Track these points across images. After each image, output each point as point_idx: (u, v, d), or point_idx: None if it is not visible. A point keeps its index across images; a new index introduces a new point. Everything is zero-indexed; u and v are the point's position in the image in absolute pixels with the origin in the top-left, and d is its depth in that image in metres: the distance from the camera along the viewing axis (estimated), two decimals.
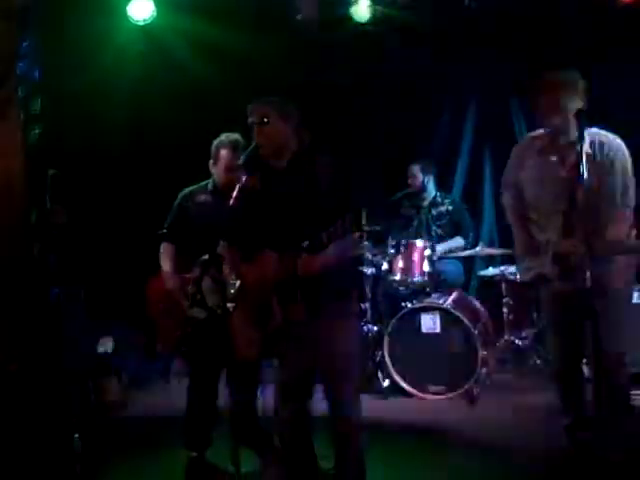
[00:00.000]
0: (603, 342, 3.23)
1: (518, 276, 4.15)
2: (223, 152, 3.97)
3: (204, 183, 4.12)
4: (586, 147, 3.33)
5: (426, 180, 6.07)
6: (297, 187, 3.12)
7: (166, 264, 4.06)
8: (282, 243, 3.03)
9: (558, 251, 3.41)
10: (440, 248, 5.82)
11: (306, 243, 2.89)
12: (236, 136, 4.01)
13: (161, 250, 4.11)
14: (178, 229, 4.08)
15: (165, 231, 4.13)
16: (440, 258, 5.82)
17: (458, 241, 5.97)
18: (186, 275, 3.97)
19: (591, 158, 3.34)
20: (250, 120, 3.17)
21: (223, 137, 4.02)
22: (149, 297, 4.14)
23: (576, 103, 3.38)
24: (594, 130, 3.47)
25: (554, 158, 3.46)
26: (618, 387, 3.50)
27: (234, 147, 3.95)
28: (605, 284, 3.33)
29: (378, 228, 5.51)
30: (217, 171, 4.01)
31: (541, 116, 3.50)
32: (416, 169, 6.06)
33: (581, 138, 3.28)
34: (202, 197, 4.07)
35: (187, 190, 4.14)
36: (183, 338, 3.93)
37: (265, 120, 3.13)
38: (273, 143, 3.16)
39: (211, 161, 4.03)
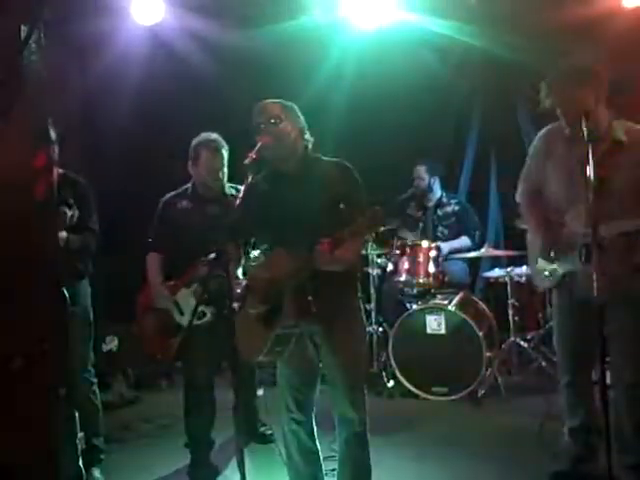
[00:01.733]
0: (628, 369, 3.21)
1: (539, 284, 3.65)
2: (203, 152, 3.95)
3: (184, 188, 4.11)
4: (620, 135, 3.25)
5: (432, 181, 6.07)
6: (309, 190, 3.12)
7: (153, 274, 4.04)
8: (295, 243, 3.03)
9: (587, 243, 3.15)
10: (446, 246, 5.82)
11: (327, 239, 2.91)
12: (215, 136, 4.01)
13: (148, 260, 4.09)
14: (163, 237, 4.06)
15: (150, 240, 4.11)
16: (445, 259, 5.82)
17: (465, 240, 5.97)
18: (172, 283, 3.98)
19: (625, 147, 3.24)
20: (258, 120, 3.15)
21: (202, 137, 4.00)
22: (140, 310, 4.13)
23: (604, 91, 3.26)
24: (626, 122, 3.34)
25: (583, 145, 3.13)
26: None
27: (214, 147, 3.95)
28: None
29: (394, 226, 5.57)
30: (197, 172, 4.00)
31: (568, 107, 3.27)
32: (422, 170, 6.05)
33: (611, 127, 3.22)
34: (183, 203, 4.06)
35: (168, 197, 4.13)
36: (180, 346, 3.92)
37: (274, 121, 3.12)
38: (281, 144, 3.14)
39: (190, 162, 4.01)
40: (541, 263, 3.55)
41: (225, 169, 4.02)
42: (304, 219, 3.06)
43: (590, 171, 2.97)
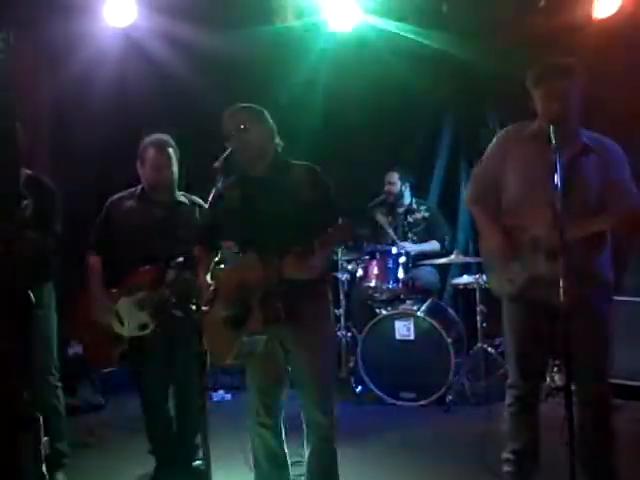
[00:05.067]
0: (591, 371, 3.14)
1: (497, 290, 3.46)
2: (150, 151, 3.90)
3: (132, 189, 4.04)
4: (585, 139, 3.21)
5: (404, 187, 6.10)
6: (279, 194, 3.14)
7: (94, 282, 3.94)
8: (264, 246, 3.04)
9: (552, 246, 3.04)
10: (416, 248, 5.84)
11: (298, 248, 2.92)
12: (164, 135, 3.96)
13: (88, 264, 3.98)
14: (104, 240, 3.97)
15: (91, 243, 4.01)
16: (415, 265, 5.84)
17: (434, 244, 6.00)
18: (113, 291, 3.88)
19: (590, 152, 3.20)
20: (227, 127, 3.17)
21: (151, 137, 3.96)
22: (79, 320, 4.03)
23: (576, 93, 3.20)
24: (590, 133, 3.30)
25: (549, 144, 3.08)
26: (604, 419, 3.29)
27: (161, 146, 3.90)
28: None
29: (365, 232, 5.58)
30: (144, 171, 3.94)
31: (553, 98, 3.17)
32: (395, 176, 6.08)
33: (578, 131, 3.18)
34: (128, 204, 3.98)
35: (114, 197, 4.05)
36: (122, 355, 3.85)
37: (244, 127, 3.14)
38: (251, 149, 3.16)
39: (138, 162, 3.96)
40: (500, 268, 3.39)
41: (174, 169, 3.94)
42: (273, 221, 3.09)
43: (558, 175, 2.94)
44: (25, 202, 3.67)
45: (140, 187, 4.01)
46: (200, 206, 3.93)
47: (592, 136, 3.28)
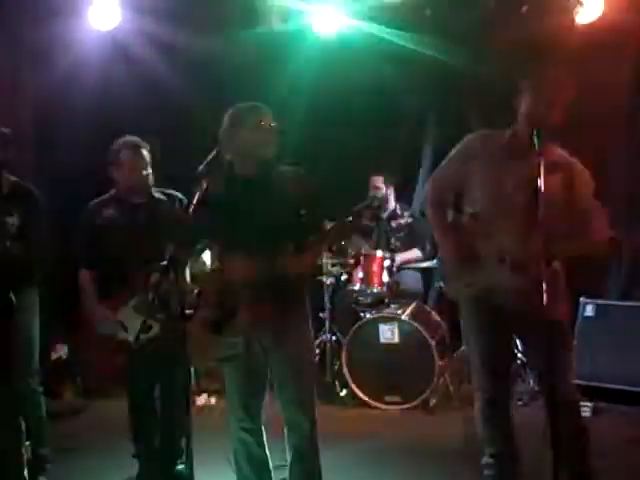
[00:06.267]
0: (559, 374, 3.06)
1: (453, 293, 3.43)
2: (124, 153, 3.87)
3: (107, 195, 4.00)
4: (554, 157, 3.16)
5: (388, 192, 6.12)
6: (264, 194, 3.14)
7: (90, 298, 3.89)
8: (250, 248, 3.05)
9: (518, 258, 3.03)
10: (398, 258, 5.86)
11: (290, 247, 2.97)
12: (132, 137, 3.93)
13: (80, 279, 3.93)
14: (92, 252, 3.92)
15: (79, 257, 3.96)
16: (399, 269, 5.85)
17: (415, 253, 6.01)
18: (111, 303, 3.85)
19: (557, 170, 3.13)
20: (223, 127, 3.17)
21: (121, 141, 3.93)
22: (83, 338, 4.02)
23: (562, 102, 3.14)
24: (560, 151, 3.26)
25: (519, 154, 3.09)
26: (575, 419, 3.26)
27: (134, 146, 3.88)
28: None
29: (349, 237, 5.58)
30: (120, 175, 3.90)
31: (526, 108, 3.17)
32: (379, 180, 6.09)
33: (543, 143, 3.07)
34: (108, 212, 3.93)
35: (91, 206, 3.99)
36: (123, 364, 3.83)
37: (236, 126, 3.14)
38: (241, 150, 3.16)
39: (112, 167, 3.91)
40: (455, 275, 3.35)
41: (149, 170, 3.92)
42: (258, 222, 3.08)
43: (524, 181, 2.95)
44: (12, 218, 3.66)
45: (114, 191, 3.98)
46: (179, 200, 3.93)
47: (561, 154, 3.25)
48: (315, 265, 3.17)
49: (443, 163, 3.48)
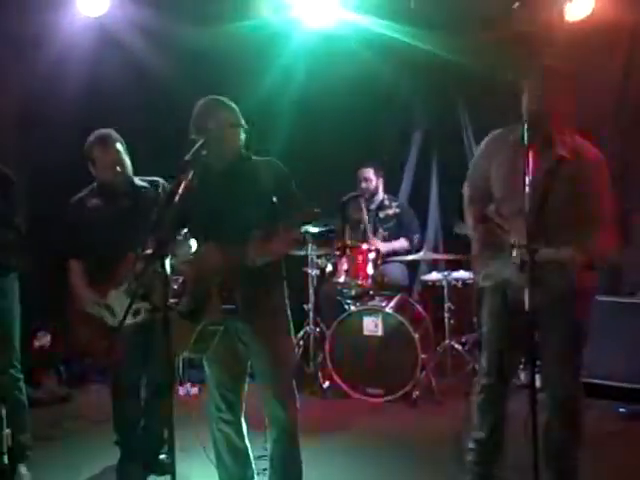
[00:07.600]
0: (562, 371, 3.14)
1: (480, 281, 3.49)
2: (95, 150, 3.84)
3: (90, 187, 3.99)
4: (562, 151, 3.16)
5: (378, 183, 6.14)
6: (238, 185, 3.17)
7: (78, 283, 3.88)
8: (225, 238, 3.05)
9: (524, 257, 3.01)
10: (384, 248, 5.87)
11: (261, 232, 2.94)
12: (106, 130, 3.90)
13: (69, 269, 3.91)
14: (79, 242, 3.91)
15: (67, 249, 3.95)
16: (385, 262, 5.87)
17: (402, 243, 6.04)
18: (101, 287, 3.84)
19: (565, 164, 3.15)
20: (208, 122, 3.15)
21: (93, 135, 3.89)
22: (73, 318, 3.96)
23: (561, 97, 3.17)
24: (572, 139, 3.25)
25: (528, 153, 3.04)
26: (574, 418, 3.30)
27: (105, 142, 3.84)
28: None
29: (333, 227, 5.58)
30: (99, 170, 3.88)
31: (555, 108, 3.16)
32: (370, 172, 6.13)
33: (555, 140, 3.13)
34: (93, 202, 3.93)
35: (75, 199, 3.99)
36: (112, 348, 3.79)
37: (231, 124, 3.17)
38: (220, 144, 3.16)
39: (89, 163, 3.88)
40: (479, 266, 3.47)
41: (127, 162, 3.90)
42: (233, 214, 3.11)
43: (531, 182, 2.94)
44: None
45: (96, 184, 3.96)
46: (162, 186, 3.93)
47: (573, 147, 3.22)
48: (285, 252, 3.13)
49: (472, 163, 3.59)
